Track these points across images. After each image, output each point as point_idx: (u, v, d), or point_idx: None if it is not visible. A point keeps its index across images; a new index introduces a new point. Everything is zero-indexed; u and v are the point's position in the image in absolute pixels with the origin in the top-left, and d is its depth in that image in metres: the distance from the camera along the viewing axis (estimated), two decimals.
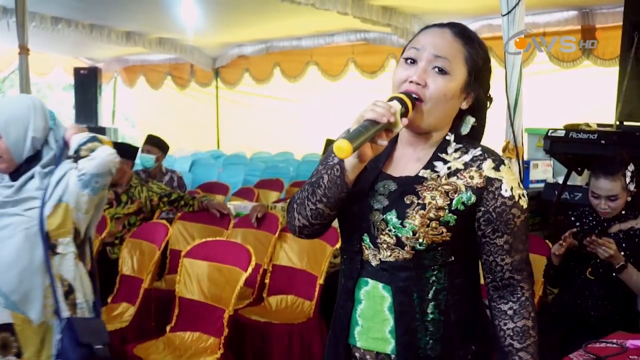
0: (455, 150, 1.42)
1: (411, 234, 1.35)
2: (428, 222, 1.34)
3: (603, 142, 3.28)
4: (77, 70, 11.39)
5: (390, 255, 1.38)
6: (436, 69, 1.36)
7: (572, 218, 2.93)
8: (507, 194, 1.37)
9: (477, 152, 1.41)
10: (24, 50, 4.97)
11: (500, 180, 1.37)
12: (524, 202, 1.39)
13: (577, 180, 3.68)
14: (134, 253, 3.64)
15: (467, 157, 1.40)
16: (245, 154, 9.73)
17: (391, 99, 1.33)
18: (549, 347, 2.68)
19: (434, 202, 1.35)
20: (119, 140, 11.48)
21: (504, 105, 2.39)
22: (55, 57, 10.98)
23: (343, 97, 8.57)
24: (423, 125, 1.38)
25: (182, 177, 5.01)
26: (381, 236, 1.38)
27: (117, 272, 3.62)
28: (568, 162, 3.61)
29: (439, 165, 1.40)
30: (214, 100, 10.93)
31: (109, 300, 3.54)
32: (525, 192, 1.41)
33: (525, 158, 3.37)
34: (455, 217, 1.36)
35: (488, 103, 1.48)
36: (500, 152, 2.30)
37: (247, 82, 10.33)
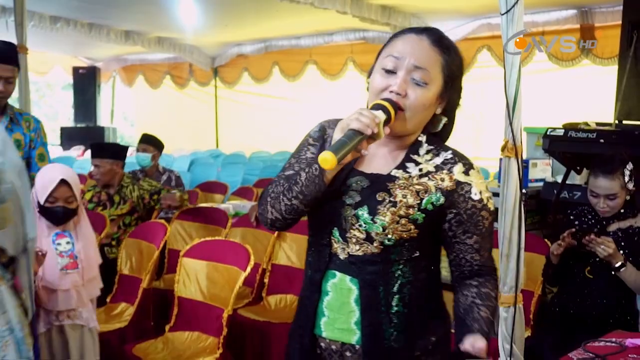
0: (427, 152, 1.47)
1: (381, 229, 1.40)
2: (398, 219, 1.40)
3: (602, 141, 3.27)
4: (76, 70, 11.40)
5: (359, 250, 1.43)
6: (415, 80, 1.40)
7: (571, 217, 2.93)
8: (476, 197, 1.44)
9: (449, 155, 1.46)
10: (22, 50, 4.94)
11: (470, 184, 1.44)
12: (491, 205, 1.47)
13: (576, 179, 3.68)
14: (133, 253, 3.64)
15: (438, 160, 1.46)
16: (244, 153, 9.73)
17: (375, 106, 1.37)
18: (548, 346, 2.69)
19: (404, 200, 1.40)
20: (117, 140, 11.55)
21: (504, 104, 2.38)
22: (54, 56, 10.99)
23: (342, 96, 8.57)
24: (402, 131, 1.44)
25: (180, 177, 4.99)
26: (351, 231, 1.43)
27: (115, 271, 3.62)
28: (567, 161, 3.60)
29: (410, 166, 1.45)
30: (213, 100, 10.94)
31: (108, 300, 3.54)
32: (492, 194, 1.49)
33: (524, 157, 3.35)
34: (424, 215, 1.41)
35: (459, 102, 1.52)
36: (499, 151, 2.31)
37: (246, 81, 10.34)
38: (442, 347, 1.50)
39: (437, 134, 1.51)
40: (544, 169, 4.04)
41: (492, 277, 1.48)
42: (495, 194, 3.25)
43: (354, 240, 1.43)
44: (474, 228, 1.44)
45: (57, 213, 2.58)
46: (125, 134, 14.93)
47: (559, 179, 3.70)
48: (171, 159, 9.14)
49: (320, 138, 1.55)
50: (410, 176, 1.43)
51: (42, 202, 2.55)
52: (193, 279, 3.13)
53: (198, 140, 10.97)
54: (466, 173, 1.44)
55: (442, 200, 1.42)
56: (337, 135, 1.36)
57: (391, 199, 1.40)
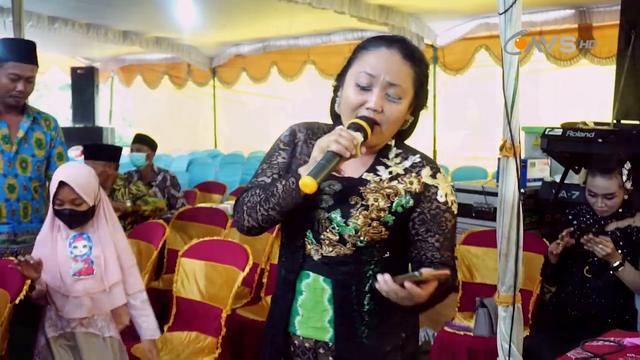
0: (396, 156, 1.54)
1: (354, 232, 1.45)
2: (370, 221, 1.45)
3: (600, 140, 3.28)
4: (74, 70, 11.37)
5: (332, 251, 1.48)
6: (390, 97, 1.44)
7: (570, 216, 2.94)
8: (442, 199, 1.50)
9: (417, 159, 1.53)
10: None
11: (437, 187, 1.51)
12: (455, 209, 1.54)
13: (574, 178, 3.68)
14: None
15: (407, 163, 1.53)
16: (243, 153, 9.71)
17: (352, 126, 1.40)
18: (547, 345, 2.69)
19: (376, 203, 1.46)
20: (116, 140, 11.53)
21: (502, 104, 2.39)
22: (52, 56, 10.94)
23: None
24: (377, 143, 1.50)
25: (175, 177, 4.93)
26: (325, 233, 1.48)
27: None
28: (565, 160, 3.60)
29: (381, 169, 1.52)
30: (211, 100, 10.92)
31: None
32: (456, 198, 1.55)
33: (523, 156, 3.36)
34: (394, 218, 1.47)
35: (425, 105, 1.57)
36: (497, 151, 2.31)
37: (244, 81, 10.32)
38: (411, 342, 1.58)
39: (402, 131, 1.56)
40: (542, 169, 4.05)
41: (451, 270, 1.47)
42: (494, 194, 3.27)
43: (327, 242, 1.48)
44: (437, 227, 1.49)
45: (64, 216, 2.49)
46: (124, 134, 14.89)
47: (557, 179, 3.70)
48: (169, 159, 9.12)
49: (291, 142, 1.60)
50: (381, 179, 1.49)
51: (52, 205, 2.51)
52: (192, 279, 3.13)
53: (196, 141, 10.95)
54: (433, 176, 1.51)
55: (411, 202, 1.48)
56: (315, 154, 1.40)
57: (363, 202, 1.46)
